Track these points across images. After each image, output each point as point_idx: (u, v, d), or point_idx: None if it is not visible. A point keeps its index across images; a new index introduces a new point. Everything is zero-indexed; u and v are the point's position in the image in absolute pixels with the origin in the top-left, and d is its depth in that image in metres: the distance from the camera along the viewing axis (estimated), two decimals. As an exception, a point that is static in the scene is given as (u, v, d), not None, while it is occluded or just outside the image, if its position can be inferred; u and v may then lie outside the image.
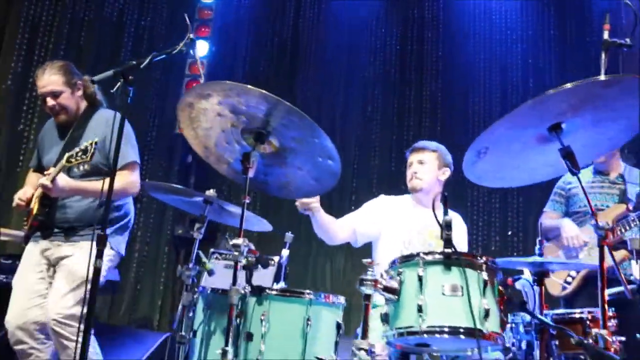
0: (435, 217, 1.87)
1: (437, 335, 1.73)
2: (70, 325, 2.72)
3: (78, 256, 2.79)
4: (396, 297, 1.80)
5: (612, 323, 2.45)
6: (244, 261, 2.14)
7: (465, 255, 1.80)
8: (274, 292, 2.28)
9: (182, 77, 5.17)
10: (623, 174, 3.41)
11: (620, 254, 3.14)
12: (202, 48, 5.26)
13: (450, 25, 5.33)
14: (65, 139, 2.96)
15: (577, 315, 2.41)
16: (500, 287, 1.88)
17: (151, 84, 5.18)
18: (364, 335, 1.77)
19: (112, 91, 2.91)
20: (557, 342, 2.41)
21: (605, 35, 2.21)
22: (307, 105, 5.40)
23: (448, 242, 1.77)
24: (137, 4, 5.05)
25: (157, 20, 5.20)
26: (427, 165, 2.98)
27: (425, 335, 1.74)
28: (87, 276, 2.69)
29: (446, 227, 1.80)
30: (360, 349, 1.73)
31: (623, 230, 3.17)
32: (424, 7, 5.39)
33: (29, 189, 2.92)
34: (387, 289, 1.81)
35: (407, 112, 5.21)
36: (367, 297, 1.81)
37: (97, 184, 2.78)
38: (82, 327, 2.61)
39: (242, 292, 2.07)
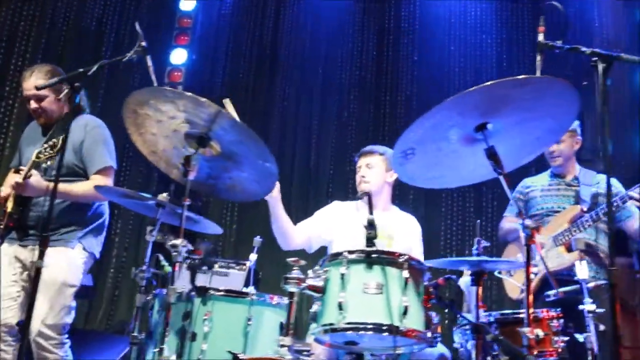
0: (371, 221, 1.89)
1: (356, 332, 1.77)
2: (52, 337, 2.77)
3: (53, 263, 2.83)
4: (321, 295, 1.85)
5: (555, 323, 2.50)
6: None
7: (387, 254, 1.84)
8: (217, 293, 2.34)
9: (161, 85, 5.22)
10: (578, 176, 3.45)
11: (574, 255, 3.18)
12: (180, 56, 5.34)
13: (426, 31, 5.39)
14: (44, 141, 3.04)
15: (520, 316, 2.45)
16: (429, 286, 1.93)
17: (129, 92, 5.24)
18: (286, 333, 1.81)
19: (59, 98, 3.02)
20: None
21: (540, 37, 2.26)
22: (285, 111, 5.47)
23: (370, 240, 1.81)
24: (117, 12, 5.13)
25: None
26: (374, 169, 3.03)
27: (348, 332, 1.78)
28: (69, 282, 2.80)
29: (369, 226, 1.84)
30: (282, 345, 1.78)
31: (578, 232, 3.21)
32: (400, 13, 5.46)
33: (6, 189, 2.94)
34: (311, 288, 1.86)
35: (382, 117, 5.27)
36: (292, 294, 1.86)
37: (80, 186, 2.88)
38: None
39: (179, 291, 2.12)
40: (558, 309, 2.55)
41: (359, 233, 2.87)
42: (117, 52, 5.10)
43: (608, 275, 1.84)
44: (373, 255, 1.83)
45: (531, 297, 3.26)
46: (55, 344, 2.82)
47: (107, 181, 2.96)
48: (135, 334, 2.46)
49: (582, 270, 2.53)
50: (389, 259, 1.82)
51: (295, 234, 2.91)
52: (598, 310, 2.39)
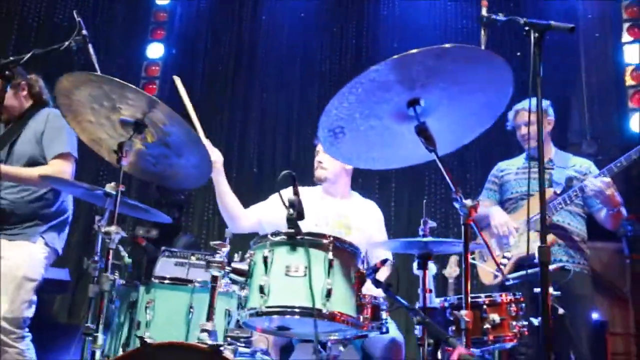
0: (283, 201, 1.83)
1: (280, 316, 1.72)
2: (12, 332, 2.77)
3: (14, 257, 2.84)
4: (245, 279, 1.80)
5: (514, 307, 2.42)
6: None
7: (311, 236, 1.78)
8: (159, 281, 2.31)
9: (139, 79, 5.22)
10: (553, 158, 3.36)
11: (548, 238, 3.08)
12: (157, 50, 5.31)
13: (406, 17, 5.29)
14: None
15: (477, 300, 2.37)
16: (361, 269, 1.86)
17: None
18: (209, 318, 1.76)
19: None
20: (454, 327, 2.38)
21: (483, 12, 2.21)
22: (266, 103, 5.42)
23: (291, 222, 1.75)
24: (90, 7, 5.10)
25: (113, 22, 5.26)
26: None
27: (273, 316, 1.73)
28: (30, 276, 2.79)
29: (291, 206, 1.78)
30: (203, 330, 1.73)
31: (550, 215, 3.12)
32: (379, 1, 5.37)
33: None
34: (235, 271, 1.80)
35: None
36: (214, 278, 1.81)
37: (29, 170, 2.89)
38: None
39: (112, 279, 2.08)
40: (519, 294, 2.47)
41: (316, 219, 2.85)
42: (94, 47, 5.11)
43: (539, 253, 1.75)
44: (297, 238, 1.77)
45: (496, 280, 3.22)
46: (15, 338, 2.82)
47: (65, 167, 2.95)
48: (88, 324, 2.44)
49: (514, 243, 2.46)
50: (312, 241, 1.77)
51: (244, 216, 2.84)
52: (554, 293, 2.31)
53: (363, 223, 2.93)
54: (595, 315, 4.06)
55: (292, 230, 1.75)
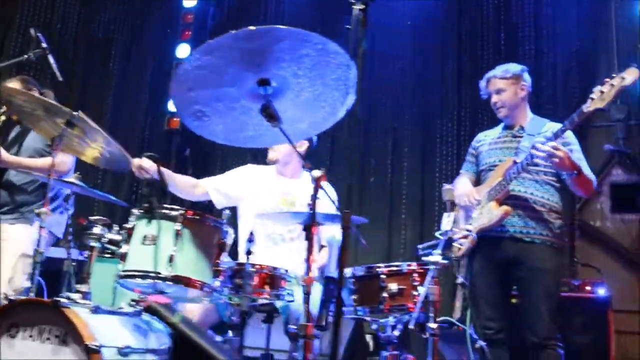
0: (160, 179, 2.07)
1: (134, 280, 1.97)
2: None
3: (14, 237, 3.35)
4: (118, 249, 2.07)
5: (417, 277, 2.42)
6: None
7: (163, 209, 2.00)
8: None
9: (168, 78, 5.70)
10: (525, 125, 3.18)
11: (502, 209, 2.98)
12: (186, 51, 5.76)
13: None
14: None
15: (377, 270, 2.42)
16: (223, 239, 2.05)
17: (147, 84, 5.80)
18: (84, 281, 2.06)
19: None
20: (355, 296, 2.46)
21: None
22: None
23: (145, 197, 1.99)
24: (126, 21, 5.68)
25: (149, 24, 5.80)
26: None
27: (132, 280, 1.99)
28: (27, 253, 3.33)
29: (149, 184, 2.01)
30: (77, 291, 2.03)
31: (506, 185, 3.00)
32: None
33: None
34: (110, 242, 2.09)
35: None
36: (92, 248, 2.11)
37: (35, 160, 3.39)
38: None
39: (42, 251, 2.45)
40: (426, 265, 2.46)
41: (265, 196, 3.03)
42: (125, 60, 5.67)
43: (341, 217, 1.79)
44: (153, 211, 2.00)
45: (460, 253, 3.14)
46: None
47: (63, 157, 3.28)
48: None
49: (446, 222, 2.41)
50: (163, 214, 1.98)
51: (194, 187, 3.03)
52: (442, 261, 2.28)
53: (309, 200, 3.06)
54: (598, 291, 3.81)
55: (147, 205, 1.98)
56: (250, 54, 1.85)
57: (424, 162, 5.32)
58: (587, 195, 3.14)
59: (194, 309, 2.58)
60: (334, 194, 3.20)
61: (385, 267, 2.42)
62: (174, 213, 1.99)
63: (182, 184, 3.01)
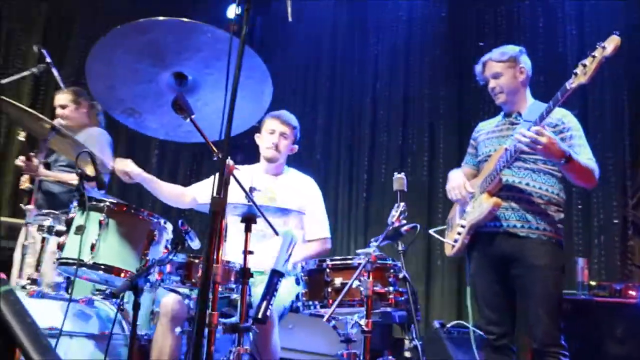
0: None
1: (64, 267, 2.11)
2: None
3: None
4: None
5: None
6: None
7: (92, 201, 2.12)
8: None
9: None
10: (521, 112, 2.91)
11: (490, 202, 2.75)
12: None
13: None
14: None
15: (326, 264, 2.35)
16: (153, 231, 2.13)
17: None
18: (36, 269, 2.25)
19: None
20: (304, 291, 2.40)
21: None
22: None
23: (78, 190, 2.13)
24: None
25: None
26: (288, 140, 3.12)
27: (65, 267, 2.13)
28: None
29: (83, 178, 2.15)
30: (29, 279, 2.23)
31: (496, 174, 2.76)
32: None
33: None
34: (57, 233, 2.26)
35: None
36: (43, 239, 2.29)
37: (66, 175, 3.73)
38: None
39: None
40: (397, 262, 2.34)
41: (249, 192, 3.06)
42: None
43: (211, 203, 1.74)
44: (86, 204, 2.13)
45: (454, 251, 2.95)
46: None
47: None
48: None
49: (393, 213, 2.26)
50: (91, 205, 2.11)
51: (179, 196, 3.10)
52: (375, 254, 2.12)
53: (290, 196, 3.06)
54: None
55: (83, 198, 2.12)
56: (150, 48, 1.92)
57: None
58: (587, 186, 2.78)
59: (168, 302, 2.68)
60: (315, 191, 3.17)
61: (330, 260, 2.34)
62: (101, 205, 2.10)
63: (169, 193, 3.06)
